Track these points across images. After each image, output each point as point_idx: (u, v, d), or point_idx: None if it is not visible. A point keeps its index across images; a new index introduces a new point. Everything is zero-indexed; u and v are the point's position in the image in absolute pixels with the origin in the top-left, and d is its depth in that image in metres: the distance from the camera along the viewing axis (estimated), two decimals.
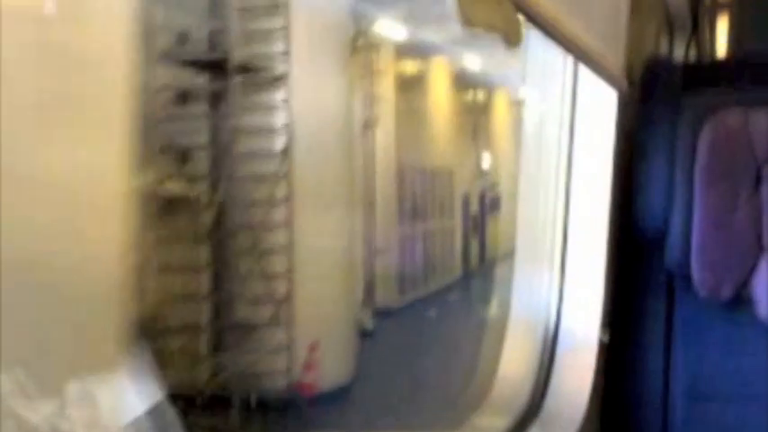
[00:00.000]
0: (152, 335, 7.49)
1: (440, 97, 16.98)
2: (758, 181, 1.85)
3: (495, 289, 17.66)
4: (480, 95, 20.16)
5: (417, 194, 15.77)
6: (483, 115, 20.59)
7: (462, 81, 18.17)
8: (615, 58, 1.79)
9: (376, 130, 14.14)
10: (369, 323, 12.08)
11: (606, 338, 1.98)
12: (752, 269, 1.84)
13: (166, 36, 7.75)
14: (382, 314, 13.64)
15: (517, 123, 22.52)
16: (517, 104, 21.98)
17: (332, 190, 9.02)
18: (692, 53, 2.91)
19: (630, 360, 2.02)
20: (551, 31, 1.23)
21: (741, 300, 1.86)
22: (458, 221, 18.59)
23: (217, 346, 7.48)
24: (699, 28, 3.04)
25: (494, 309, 14.72)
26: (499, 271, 18.17)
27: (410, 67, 15.60)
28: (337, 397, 8.60)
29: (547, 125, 2.13)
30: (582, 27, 1.37)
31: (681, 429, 1.95)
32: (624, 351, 2.03)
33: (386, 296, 14.37)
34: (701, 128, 1.88)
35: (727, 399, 1.92)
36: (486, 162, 20.36)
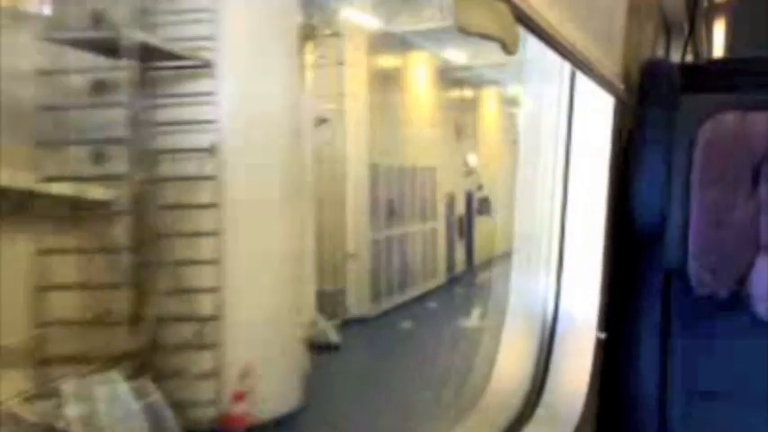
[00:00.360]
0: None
1: (421, 92, 16.04)
2: (755, 181, 1.89)
3: (482, 295, 16.80)
4: (466, 91, 19.11)
5: (395, 195, 14.69)
6: (469, 112, 19.64)
7: (446, 76, 17.15)
8: (612, 64, 1.81)
9: (347, 127, 13.06)
10: (333, 336, 11.00)
11: (603, 336, 2.01)
12: (749, 268, 1.88)
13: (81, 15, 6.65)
14: (354, 324, 12.71)
15: (508, 120, 21.61)
16: (508, 101, 21.13)
17: (274, 192, 7.97)
18: (690, 56, 2.91)
19: (628, 358, 2.05)
20: (549, 39, 1.22)
21: (739, 298, 1.90)
22: (441, 223, 17.55)
23: (133, 374, 6.39)
24: (696, 31, 3.09)
25: (479, 317, 13.76)
26: (488, 275, 17.33)
27: (386, 59, 14.51)
28: (282, 426, 7.55)
29: (544, 127, 2.16)
30: (579, 34, 1.39)
31: (678, 428, 1.98)
32: (621, 349, 2.06)
33: (359, 304, 13.37)
34: (699, 130, 1.94)
35: (725, 397, 1.94)
36: (473, 161, 19.31)
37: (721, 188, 1.90)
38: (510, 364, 2.11)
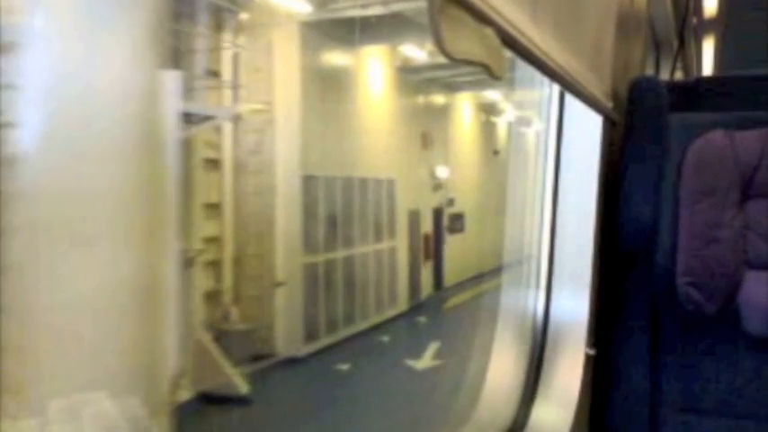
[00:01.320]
0: None
1: (378, 94, 14.05)
2: (743, 199, 1.95)
3: (449, 325, 14.78)
4: (435, 95, 16.97)
5: (339, 211, 12.51)
6: (439, 118, 17.69)
7: (411, 77, 14.96)
8: (600, 83, 1.84)
9: (275, 133, 10.97)
10: (241, 386, 8.84)
11: (593, 353, 2.05)
12: (737, 284, 1.93)
13: None
14: (279, 367, 10.61)
15: (486, 129, 19.77)
16: (485, 108, 19.30)
17: (110, 213, 5.77)
18: (679, 73, 3.02)
19: (618, 373, 2.09)
20: (536, 62, 1.22)
21: (727, 315, 1.95)
22: (403, 242, 15.30)
23: None
24: (685, 49, 3.22)
25: (436, 354, 11.72)
26: (459, 300, 15.42)
27: (331, 54, 12.38)
28: None
29: (534, 145, 2.22)
30: (567, 56, 1.40)
31: None
32: (611, 365, 2.10)
33: (288, 342, 11.30)
34: (687, 148, 1.99)
35: (715, 412, 1.98)
36: (443, 173, 17.15)
37: (710, 206, 1.95)
38: (498, 381, 2.12)
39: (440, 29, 0.84)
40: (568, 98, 2.06)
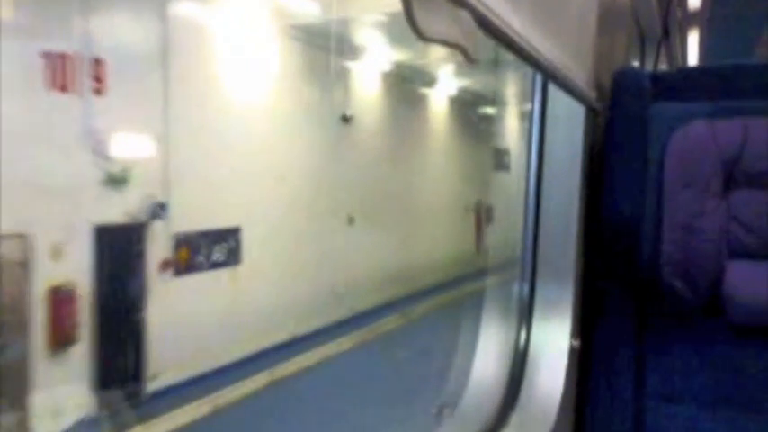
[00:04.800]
0: None
1: None
2: (725, 189, 1.95)
3: None
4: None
5: None
6: None
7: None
8: (583, 73, 1.83)
9: None
10: None
11: (577, 344, 2.08)
12: (720, 274, 1.94)
13: None
14: None
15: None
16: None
17: None
18: (664, 65, 3.12)
19: (601, 364, 2.10)
20: (514, 47, 1.19)
21: (711, 304, 1.97)
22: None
23: None
24: (669, 41, 3.27)
25: None
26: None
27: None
28: None
29: (517, 137, 2.48)
30: (549, 44, 1.39)
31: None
32: (595, 355, 2.11)
33: None
34: (670, 138, 2.00)
35: (699, 402, 2.00)
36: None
37: (692, 195, 1.95)
38: (483, 374, 2.14)
39: (413, 9, 0.83)
40: (551, 88, 2.06)
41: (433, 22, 0.86)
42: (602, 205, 2.05)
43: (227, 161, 9.30)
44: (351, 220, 12.67)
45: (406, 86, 14.90)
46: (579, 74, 1.74)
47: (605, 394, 2.06)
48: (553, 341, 2.07)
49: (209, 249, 8.98)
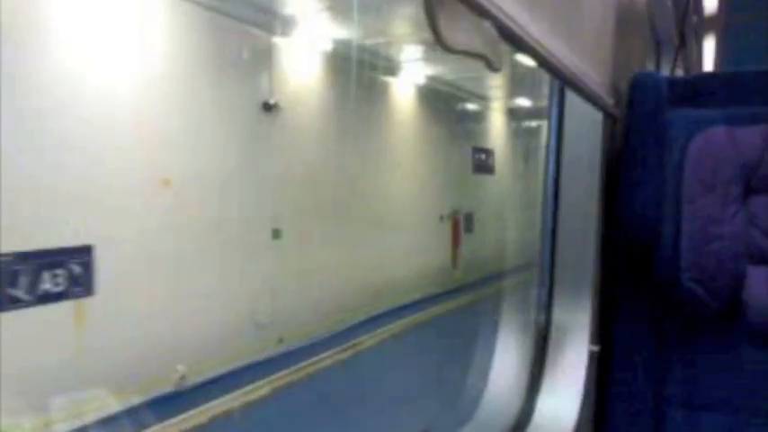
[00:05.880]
0: None
1: None
2: (745, 194, 1.97)
3: None
4: None
5: None
6: None
7: None
8: (600, 78, 1.83)
9: None
10: None
11: (597, 349, 2.07)
12: (741, 279, 1.94)
13: None
14: None
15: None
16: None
17: None
18: (680, 71, 3.04)
19: (621, 370, 2.08)
20: (535, 55, 1.23)
21: (731, 310, 1.96)
22: None
23: None
24: (686, 46, 3.18)
25: None
26: None
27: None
28: None
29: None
30: (567, 50, 1.41)
31: None
32: (615, 361, 2.09)
33: None
34: (689, 144, 2.00)
35: (719, 408, 1.99)
36: None
37: (711, 201, 1.96)
38: (504, 376, 2.14)
39: (437, 21, 0.84)
40: (569, 94, 2.09)
41: (456, 32, 0.88)
42: (620, 211, 2.06)
43: (77, 163, 6.95)
44: (277, 234, 10.27)
45: (360, 72, 12.47)
46: (596, 80, 1.76)
47: (625, 402, 2.05)
48: (572, 347, 2.06)
49: (34, 277, 6.46)
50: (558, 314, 2.10)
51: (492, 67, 0.99)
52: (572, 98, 2.07)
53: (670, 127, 2.03)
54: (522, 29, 1.08)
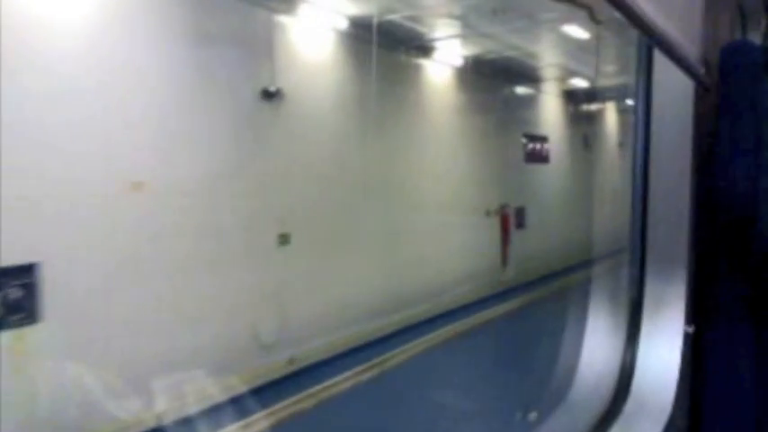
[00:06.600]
0: None
1: None
2: None
3: None
4: None
5: None
6: None
7: None
8: (692, 47, 1.80)
9: None
10: None
11: (692, 330, 1.99)
12: None
13: None
14: None
15: None
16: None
17: None
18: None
19: (717, 353, 1.99)
20: (631, 15, 1.25)
21: None
22: None
23: None
24: None
25: None
26: None
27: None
28: None
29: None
30: (661, 13, 1.42)
31: None
32: (712, 344, 2.00)
33: None
34: None
35: None
36: None
37: None
38: (596, 355, 2.09)
39: None
40: (657, 68, 2.04)
41: None
42: (715, 184, 1.98)
43: (14, 163, 5.80)
44: (284, 239, 9.03)
45: (386, 54, 11.07)
46: (689, 47, 1.73)
47: (725, 384, 1.96)
48: (666, 328, 1.99)
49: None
50: (652, 293, 2.03)
51: (594, 18, 1.27)
52: (660, 71, 2.03)
53: (766, 96, 1.97)
54: None
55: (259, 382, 8.06)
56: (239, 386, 7.64)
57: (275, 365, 8.57)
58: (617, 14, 1.22)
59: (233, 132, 8.13)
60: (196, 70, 7.68)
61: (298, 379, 8.54)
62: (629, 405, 1.94)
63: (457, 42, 12.43)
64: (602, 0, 1.02)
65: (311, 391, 8.12)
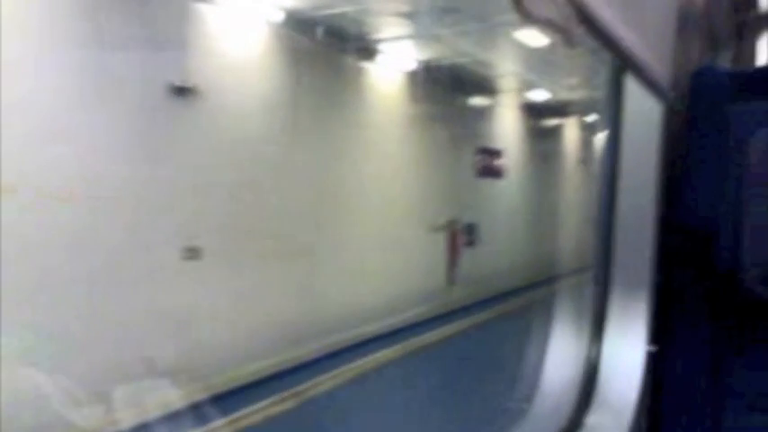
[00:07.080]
0: None
1: None
2: None
3: None
4: None
5: None
6: None
7: None
8: (662, 69, 1.87)
9: None
10: None
11: (654, 349, 2.02)
12: None
13: None
14: None
15: None
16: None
17: None
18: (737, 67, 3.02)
19: (679, 371, 2.02)
20: (604, 37, 1.30)
21: None
22: None
23: None
24: (743, 41, 3.19)
25: None
26: None
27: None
28: None
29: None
30: (634, 37, 1.45)
31: None
32: (672, 362, 2.03)
33: None
34: (751, 137, 1.97)
35: None
36: None
37: None
38: (556, 378, 2.08)
39: None
40: (627, 90, 2.06)
41: (538, 4, 0.95)
42: (680, 207, 2.03)
43: None
44: (194, 253, 8.04)
45: (325, 55, 10.14)
46: (659, 71, 1.79)
47: (683, 401, 2.00)
48: (629, 347, 2.00)
49: None
50: (615, 315, 2.02)
51: (570, 42, 1.06)
52: (630, 92, 2.04)
53: (732, 121, 2.01)
54: (594, 9, 1.18)
55: None
56: None
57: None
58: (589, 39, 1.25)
59: (126, 134, 7.09)
60: (87, 63, 6.66)
61: None
62: (587, 425, 1.95)
63: (405, 45, 11.57)
64: (575, 24, 1.04)
65: None
